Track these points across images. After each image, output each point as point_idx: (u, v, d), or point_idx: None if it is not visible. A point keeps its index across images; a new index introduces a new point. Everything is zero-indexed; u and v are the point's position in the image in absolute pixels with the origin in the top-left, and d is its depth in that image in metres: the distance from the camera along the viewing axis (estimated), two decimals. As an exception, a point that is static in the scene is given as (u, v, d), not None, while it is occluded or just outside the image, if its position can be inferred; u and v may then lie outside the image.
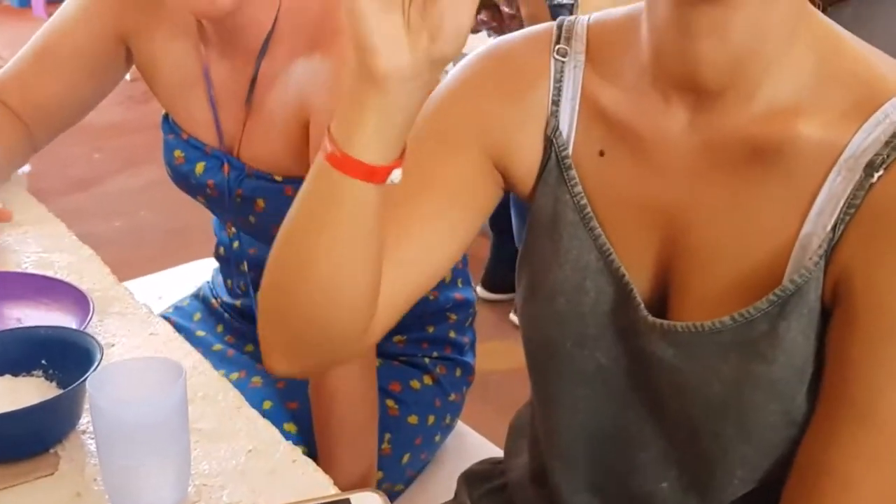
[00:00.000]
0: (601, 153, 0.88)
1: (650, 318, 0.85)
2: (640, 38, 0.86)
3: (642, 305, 0.86)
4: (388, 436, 1.33)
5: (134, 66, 1.42)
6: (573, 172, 0.89)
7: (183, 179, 1.39)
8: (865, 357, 0.78)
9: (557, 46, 0.91)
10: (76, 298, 1.10)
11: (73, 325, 1.07)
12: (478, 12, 2.87)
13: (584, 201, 0.89)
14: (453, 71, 0.95)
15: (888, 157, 0.77)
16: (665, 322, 0.85)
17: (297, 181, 1.26)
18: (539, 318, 0.92)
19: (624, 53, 0.88)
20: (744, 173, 0.82)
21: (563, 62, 0.91)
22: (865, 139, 0.78)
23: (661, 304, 0.87)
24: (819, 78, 0.81)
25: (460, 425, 1.50)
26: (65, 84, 1.40)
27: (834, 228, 0.78)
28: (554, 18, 2.89)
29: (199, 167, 1.35)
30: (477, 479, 1.15)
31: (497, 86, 0.92)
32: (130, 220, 3.60)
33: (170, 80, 1.36)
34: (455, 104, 0.93)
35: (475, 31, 2.97)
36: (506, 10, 2.77)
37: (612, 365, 0.90)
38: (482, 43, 3.13)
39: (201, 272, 1.73)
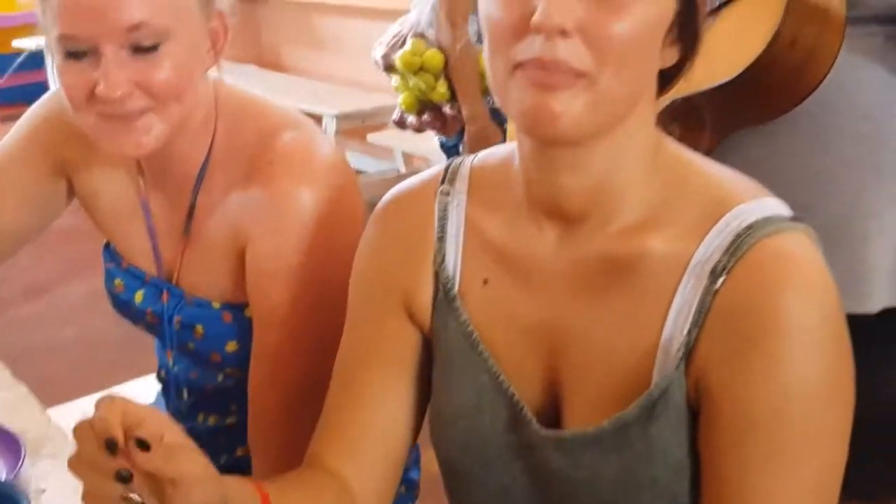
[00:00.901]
0: (485, 281, 0.95)
1: (542, 430, 0.91)
2: (516, 172, 0.93)
3: (534, 420, 0.91)
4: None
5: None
6: (458, 303, 0.96)
7: (124, 307, 1.40)
8: (732, 451, 0.83)
9: (441, 187, 0.99)
10: (8, 442, 1.10)
11: (3, 471, 1.07)
12: (421, 113, 2.94)
13: (471, 328, 0.95)
14: (362, 239, 1.04)
15: (728, 263, 0.83)
16: (555, 432, 0.90)
17: (235, 307, 1.29)
18: (445, 442, 0.98)
19: (503, 187, 0.95)
20: (608, 288, 0.89)
21: (447, 201, 0.98)
22: (709, 248, 0.84)
23: (553, 416, 0.92)
24: (668, 197, 0.88)
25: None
26: (5, 216, 1.41)
27: (689, 333, 0.84)
28: (495, 119, 2.93)
29: (139, 296, 1.36)
30: None
31: (392, 239, 1.01)
32: (83, 328, 3.57)
33: (109, 212, 1.38)
34: (362, 273, 1.03)
35: (419, 130, 3.02)
36: (448, 111, 2.83)
37: (512, 483, 0.94)
38: (427, 142, 3.16)
39: (150, 388, 1.72)
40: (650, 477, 0.86)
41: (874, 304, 1.42)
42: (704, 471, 0.85)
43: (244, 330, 1.26)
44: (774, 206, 0.86)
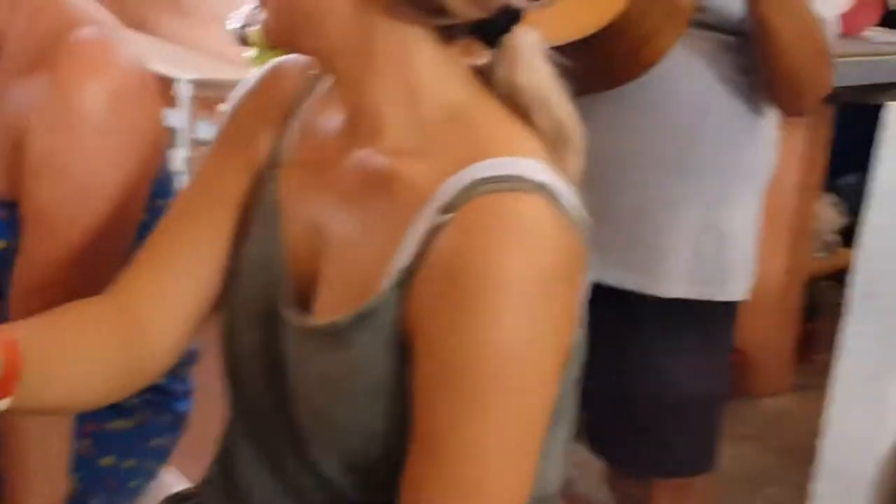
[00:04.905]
0: (302, 163, 0.99)
1: (285, 312, 0.94)
2: None
3: (287, 299, 0.95)
4: (77, 475, 1.29)
5: None
6: (276, 172, 1.00)
7: None
8: (427, 397, 0.83)
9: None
10: None
11: None
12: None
13: (277, 199, 0.99)
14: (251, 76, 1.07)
15: (452, 207, 0.83)
16: (293, 317, 0.94)
17: (9, 205, 1.24)
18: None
19: None
20: (367, 197, 0.91)
21: (315, 82, 1.02)
22: (447, 189, 0.85)
23: (307, 304, 0.94)
24: (434, 133, 0.90)
25: (169, 474, 1.47)
26: None
27: (410, 264, 0.85)
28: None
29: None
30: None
31: (266, 95, 1.04)
32: None
33: None
34: (232, 112, 1.06)
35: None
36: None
37: (251, 353, 0.98)
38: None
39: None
40: (353, 388, 0.88)
41: (669, 289, 1.50)
42: (412, 413, 0.85)
43: (16, 230, 1.22)
44: (528, 168, 0.85)
